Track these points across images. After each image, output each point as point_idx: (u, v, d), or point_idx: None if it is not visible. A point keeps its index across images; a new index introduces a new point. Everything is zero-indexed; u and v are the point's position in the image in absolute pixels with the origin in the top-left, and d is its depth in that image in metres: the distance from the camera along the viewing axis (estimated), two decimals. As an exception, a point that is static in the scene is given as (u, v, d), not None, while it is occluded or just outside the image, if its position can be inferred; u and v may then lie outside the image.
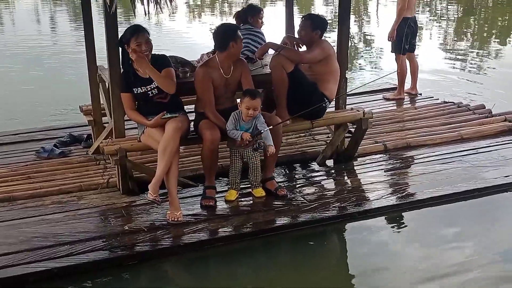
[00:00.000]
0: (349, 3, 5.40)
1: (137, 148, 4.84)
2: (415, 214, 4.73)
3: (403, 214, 4.72)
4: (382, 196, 4.84)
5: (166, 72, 4.64)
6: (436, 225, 4.62)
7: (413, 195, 4.86)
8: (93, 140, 5.99)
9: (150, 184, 4.42)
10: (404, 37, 7.48)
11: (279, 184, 5.00)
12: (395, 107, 7.45)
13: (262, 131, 4.53)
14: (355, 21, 16.12)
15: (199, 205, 4.71)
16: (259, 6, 6.44)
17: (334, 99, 5.36)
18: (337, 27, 5.46)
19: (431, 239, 4.42)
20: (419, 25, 7.79)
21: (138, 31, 4.58)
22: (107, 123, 5.86)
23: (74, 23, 16.61)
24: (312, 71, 5.19)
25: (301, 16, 5.40)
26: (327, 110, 5.31)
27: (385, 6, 18.85)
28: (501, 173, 5.17)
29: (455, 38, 13.99)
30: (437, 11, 17.58)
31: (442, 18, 16.43)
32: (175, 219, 4.40)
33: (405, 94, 7.81)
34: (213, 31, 4.90)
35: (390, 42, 7.68)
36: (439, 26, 15.29)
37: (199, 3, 21.49)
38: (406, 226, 4.65)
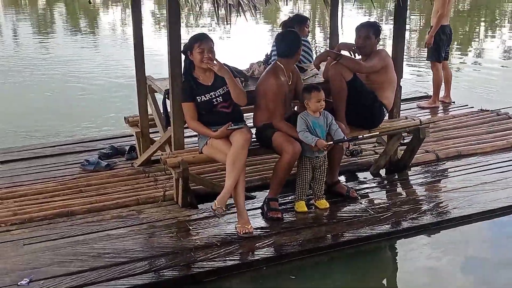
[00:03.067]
0: (405, 13, 5.35)
1: (199, 160, 4.72)
2: (484, 225, 4.64)
3: (474, 224, 4.61)
4: (454, 207, 4.74)
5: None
6: (505, 238, 4.53)
7: (480, 206, 4.75)
8: (138, 152, 5.85)
9: (218, 197, 4.28)
10: (442, 45, 7.45)
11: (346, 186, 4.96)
12: (430, 116, 7.38)
13: (344, 140, 4.52)
14: (320, 32, 16.04)
15: (263, 217, 4.60)
16: (306, 15, 6.36)
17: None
18: (392, 36, 5.40)
19: (500, 254, 4.32)
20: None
21: (202, 38, 4.47)
22: (154, 133, 5.78)
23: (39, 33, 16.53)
24: (370, 80, 5.10)
25: (358, 25, 5.30)
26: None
27: (348, 17, 18.68)
28: None
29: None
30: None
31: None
32: (247, 233, 4.28)
33: (439, 103, 7.77)
34: (277, 38, 4.79)
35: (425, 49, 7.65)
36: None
37: (164, 13, 21.11)
38: (478, 238, 4.54)
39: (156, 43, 13.91)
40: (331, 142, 4.53)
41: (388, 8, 20.03)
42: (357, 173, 5.63)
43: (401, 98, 7.93)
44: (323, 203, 4.76)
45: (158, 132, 5.80)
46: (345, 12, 19.28)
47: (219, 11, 3.64)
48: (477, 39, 15.19)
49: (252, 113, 5.00)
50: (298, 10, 19.31)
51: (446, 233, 4.55)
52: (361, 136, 4.73)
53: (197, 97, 4.57)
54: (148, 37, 15.52)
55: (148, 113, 5.70)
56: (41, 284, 3.65)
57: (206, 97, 4.57)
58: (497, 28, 16.53)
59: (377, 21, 5.53)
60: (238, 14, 3.67)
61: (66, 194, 5.09)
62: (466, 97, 8.25)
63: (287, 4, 4.72)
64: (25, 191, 5.13)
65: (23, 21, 20.19)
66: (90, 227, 4.46)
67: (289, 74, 4.67)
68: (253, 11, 3.66)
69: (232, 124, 4.50)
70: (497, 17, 18.02)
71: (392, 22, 7.02)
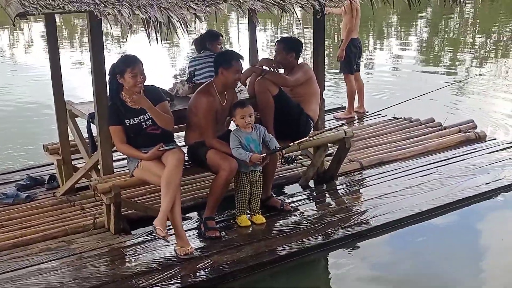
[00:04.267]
0: (323, 26, 5.49)
1: (131, 184, 4.59)
2: (412, 230, 4.79)
3: (406, 228, 4.78)
4: (384, 212, 4.90)
5: (162, 107, 4.45)
6: (437, 239, 4.72)
7: (409, 209, 4.93)
8: (60, 180, 5.58)
9: (156, 220, 4.15)
10: (353, 57, 7.72)
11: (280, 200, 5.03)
12: (347, 126, 7.58)
13: (276, 150, 4.60)
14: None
15: (201, 237, 4.52)
16: (218, 31, 6.36)
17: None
18: (312, 50, 5.53)
19: (436, 254, 4.49)
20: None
21: (134, 62, 4.35)
22: (75, 160, 5.56)
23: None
24: (295, 94, 5.18)
25: (276, 40, 5.40)
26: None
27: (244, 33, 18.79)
28: (482, 181, 5.43)
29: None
30: (295, 34, 17.69)
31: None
32: (188, 254, 4.18)
33: (354, 113, 8.02)
34: (214, 57, 4.82)
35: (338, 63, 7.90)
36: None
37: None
38: (411, 241, 4.70)
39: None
40: (265, 155, 4.55)
41: (282, 24, 20.39)
42: (287, 186, 5.67)
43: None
44: (260, 218, 4.75)
45: (80, 158, 5.59)
46: (240, 28, 19.40)
47: (149, 30, 3.55)
48: (368, 50, 15.86)
49: (182, 133, 4.95)
50: (196, 29, 19.27)
51: (380, 238, 4.68)
52: (292, 144, 4.77)
53: (126, 121, 4.45)
54: (42, 61, 15.03)
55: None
56: (-28, 329, 3.38)
57: (135, 121, 4.45)
58: (385, 39, 17.27)
59: (294, 36, 5.63)
60: (169, 32, 3.60)
61: (-14, 231, 4.76)
62: (373, 106, 8.52)
63: (216, 21, 4.70)
64: None
65: None
66: (18, 263, 4.19)
67: (223, 94, 4.65)
68: (183, 29, 3.61)
69: (163, 145, 4.41)
70: (384, 29, 18.84)
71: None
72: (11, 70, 14.21)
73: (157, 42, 3.60)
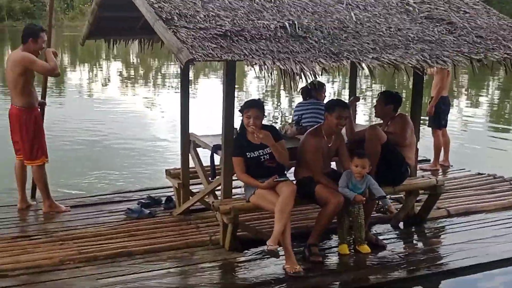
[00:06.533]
0: (422, 81, 6.09)
1: (247, 208, 5.26)
2: (499, 273, 5.21)
3: (493, 271, 5.21)
4: (473, 255, 5.34)
5: (280, 145, 5.16)
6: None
7: (497, 255, 5.34)
8: (177, 202, 6.35)
9: (269, 240, 4.79)
10: (442, 114, 8.25)
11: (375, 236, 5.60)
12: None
13: (381, 197, 5.22)
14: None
15: (303, 261, 5.10)
16: (322, 81, 7.07)
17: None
18: (410, 102, 6.16)
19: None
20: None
21: (251, 106, 5.10)
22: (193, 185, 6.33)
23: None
24: (397, 143, 5.71)
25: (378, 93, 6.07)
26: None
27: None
28: None
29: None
30: (362, 89, 17.96)
31: (367, 95, 16.77)
32: (297, 272, 4.79)
33: (439, 166, 8.48)
34: None
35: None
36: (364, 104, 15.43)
37: (132, 74, 21.52)
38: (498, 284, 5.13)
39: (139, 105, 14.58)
40: (364, 199, 5.17)
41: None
42: (379, 225, 6.19)
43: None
44: (365, 248, 5.31)
45: (193, 184, 6.37)
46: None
47: (285, 78, 4.29)
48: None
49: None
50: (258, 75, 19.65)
51: (466, 278, 5.13)
52: (388, 197, 5.33)
53: (247, 153, 5.17)
54: (120, 96, 16.05)
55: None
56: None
57: (255, 154, 5.17)
58: (456, 99, 17.38)
59: (395, 91, 6.22)
60: (301, 79, 4.33)
61: (119, 238, 5.54)
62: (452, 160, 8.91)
63: (338, 75, 5.39)
64: (82, 234, 5.58)
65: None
66: (152, 266, 4.93)
67: (330, 137, 5.32)
68: (312, 77, 4.35)
69: (277, 177, 5.09)
70: (454, 89, 18.93)
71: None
72: (96, 104, 15.31)
73: (291, 88, 4.32)
